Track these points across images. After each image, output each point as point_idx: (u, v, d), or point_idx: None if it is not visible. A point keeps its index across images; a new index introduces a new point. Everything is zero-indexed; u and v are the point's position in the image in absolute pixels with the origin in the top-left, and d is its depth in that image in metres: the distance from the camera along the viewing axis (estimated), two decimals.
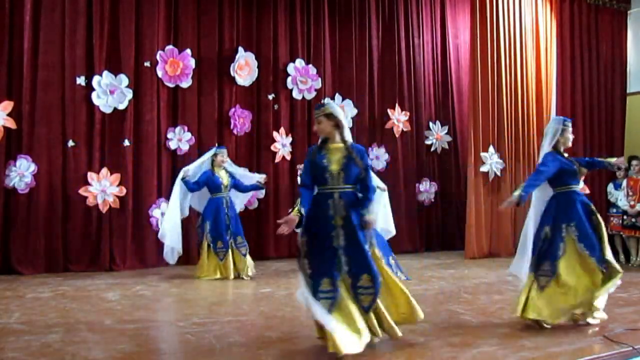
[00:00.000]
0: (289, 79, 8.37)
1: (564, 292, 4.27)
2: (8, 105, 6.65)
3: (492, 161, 8.74)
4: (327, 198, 3.68)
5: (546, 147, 4.56)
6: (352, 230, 3.62)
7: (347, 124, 3.84)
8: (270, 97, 8.27)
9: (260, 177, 7.09)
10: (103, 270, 7.03)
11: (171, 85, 7.59)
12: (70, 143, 6.96)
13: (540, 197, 4.59)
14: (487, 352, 3.70)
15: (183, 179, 6.64)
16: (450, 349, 3.77)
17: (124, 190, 7.21)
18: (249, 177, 7.15)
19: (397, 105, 9.12)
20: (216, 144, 7.87)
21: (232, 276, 6.55)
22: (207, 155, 6.91)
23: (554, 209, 4.46)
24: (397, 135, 9.12)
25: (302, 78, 8.42)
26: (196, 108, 7.79)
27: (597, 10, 9.39)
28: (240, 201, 7.23)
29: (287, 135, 8.34)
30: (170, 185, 7.63)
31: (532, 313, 4.27)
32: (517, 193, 4.29)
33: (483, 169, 8.70)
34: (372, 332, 3.64)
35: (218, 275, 6.57)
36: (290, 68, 8.37)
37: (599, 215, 4.49)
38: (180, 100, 7.69)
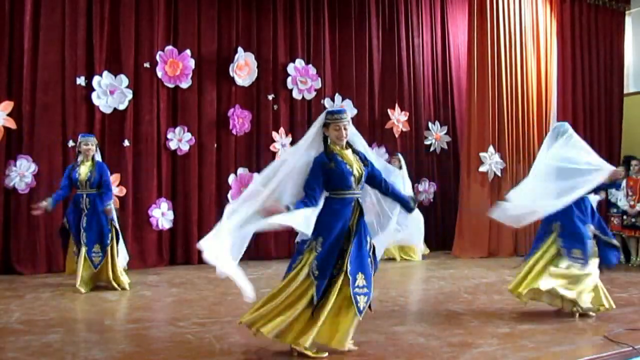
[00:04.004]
0: (289, 79, 8.37)
1: None
2: (8, 105, 6.65)
3: (491, 161, 8.74)
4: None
5: None
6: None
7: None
8: (270, 97, 8.27)
9: None
10: None
11: (171, 85, 7.59)
12: (70, 143, 6.95)
13: None
14: (487, 352, 3.71)
15: None
16: (450, 349, 3.77)
17: (124, 190, 7.21)
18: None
19: (396, 105, 9.13)
20: (215, 145, 7.88)
21: None
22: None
23: None
24: (396, 135, 9.12)
25: (302, 78, 8.42)
26: (196, 108, 7.79)
27: (596, 10, 9.39)
28: None
29: (286, 135, 8.34)
30: (170, 185, 7.64)
31: None
32: None
33: (482, 168, 8.70)
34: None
35: None
36: (290, 68, 8.37)
37: None
38: (180, 101, 7.70)
